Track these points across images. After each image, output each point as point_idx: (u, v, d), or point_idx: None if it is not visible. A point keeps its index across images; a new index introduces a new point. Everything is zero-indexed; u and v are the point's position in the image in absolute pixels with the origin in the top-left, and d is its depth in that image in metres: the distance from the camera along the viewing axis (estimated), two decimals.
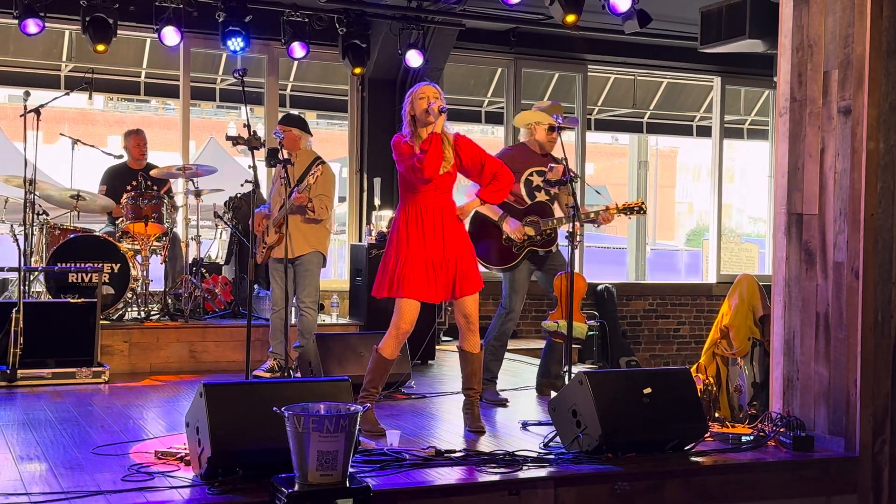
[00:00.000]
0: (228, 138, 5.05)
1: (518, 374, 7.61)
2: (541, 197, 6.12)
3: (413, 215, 5.00)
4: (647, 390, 4.66)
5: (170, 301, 7.80)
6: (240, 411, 3.97)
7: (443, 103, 4.98)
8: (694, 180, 38.00)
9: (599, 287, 10.84)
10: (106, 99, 26.30)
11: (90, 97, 8.28)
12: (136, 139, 8.35)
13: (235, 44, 8.70)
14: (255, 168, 4.95)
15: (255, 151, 5.12)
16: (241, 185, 5.55)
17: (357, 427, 3.68)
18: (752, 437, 4.92)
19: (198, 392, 4.01)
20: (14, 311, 6.41)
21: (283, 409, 3.61)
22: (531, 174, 6.12)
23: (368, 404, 4.68)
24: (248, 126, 5.16)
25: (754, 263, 13.12)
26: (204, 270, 8.06)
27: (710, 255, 11.94)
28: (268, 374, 6.73)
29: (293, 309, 7.20)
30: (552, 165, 5.70)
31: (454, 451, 4.58)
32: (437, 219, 5.00)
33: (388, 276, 5.02)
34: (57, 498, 3.71)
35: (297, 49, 9.02)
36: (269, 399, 3.90)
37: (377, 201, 9.38)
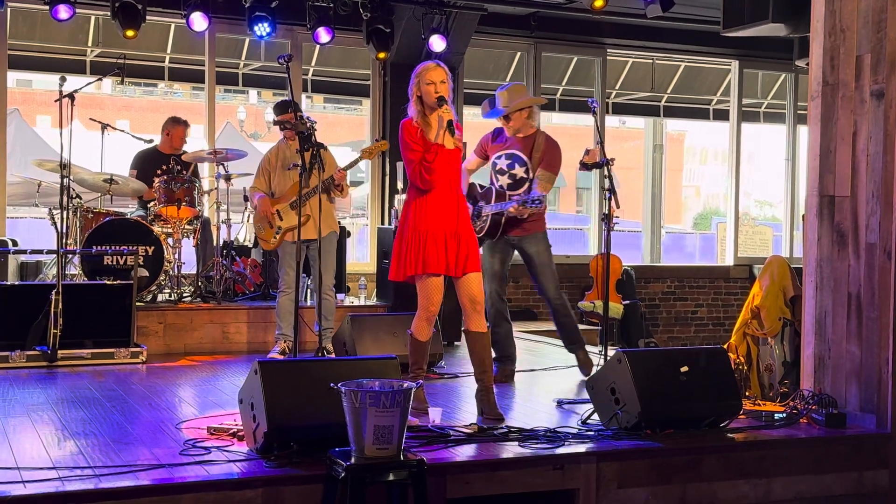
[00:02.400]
0: (275, 122, 5.14)
1: (544, 355, 7.73)
2: (503, 181, 6.20)
3: (428, 192, 4.98)
4: (684, 369, 4.76)
5: (202, 283, 7.92)
6: (293, 388, 4.09)
7: (451, 115, 4.92)
8: (701, 163, 38.01)
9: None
10: (114, 83, 26.36)
11: (122, 82, 8.37)
12: (179, 129, 8.40)
13: (262, 29, 8.80)
14: (302, 152, 5.04)
15: (302, 136, 5.21)
16: (289, 169, 5.64)
17: (410, 403, 3.79)
18: (784, 415, 5.03)
19: (252, 369, 4.12)
20: (53, 292, 6.53)
21: (339, 385, 3.72)
22: (498, 157, 6.25)
23: (421, 381, 4.74)
24: (296, 111, 5.25)
25: (768, 246, 13.21)
26: (234, 253, 8.18)
27: (727, 238, 12.04)
28: (281, 357, 6.83)
29: (309, 291, 7.31)
30: (588, 149, 5.80)
31: (496, 428, 4.69)
32: (451, 194, 5.00)
33: (405, 257, 5.01)
34: (120, 470, 3.82)
35: (323, 34, 9.11)
36: (322, 376, 4.01)
37: (399, 184, 9.48)
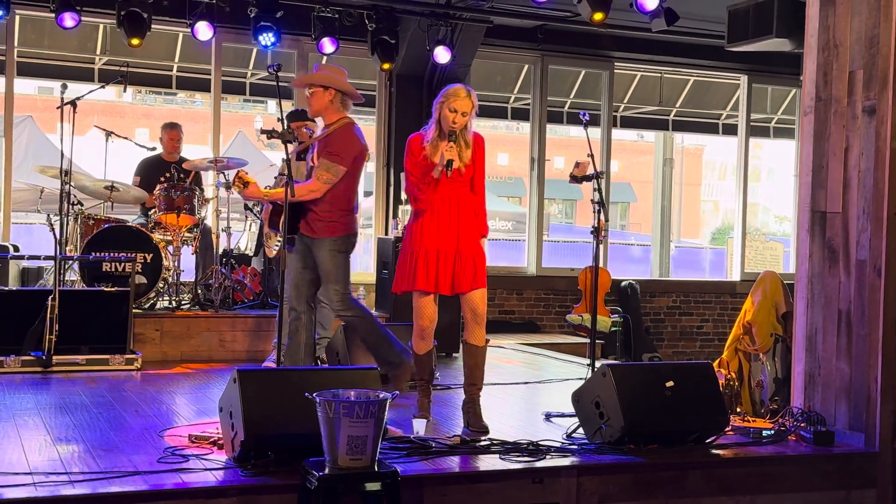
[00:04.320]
0: (263, 132, 5.16)
1: (542, 368, 7.70)
2: None
3: (429, 207, 4.99)
4: (670, 383, 4.73)
5: (200, 291, 7.95)
6: (272, 397, 4.09)
7: (453, 155, 4.86)
8: (720, 178, 37.90)
9: (623, 283, 10.91)
10: (135, 92, 26.56)
11: (125, 90, 8.44)
12: (171, 133, 8.51)
13: (266, 39, 8.85)
14: (288, 161, 5.06)
15: (287, 145, 5.23)
16: (275, 179, 5.68)
17: (386, 414, 3.78)
18: (773, 432, 4.99)
19: (232, 378, 4.13)
20: (50, 298, 6.57)
21: (314, 394, 3.72)
22: None
23: (398, 392, 4.73)
24: (281, 120, 5.28)
25: (779, 262, 13.13)
26: (234, 261, 8.21)
27: (734, 253, 11.98)
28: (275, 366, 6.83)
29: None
30: (579, 161, 5.79)
31: (479, 440, 4.68)
32: (452, 211, 4.99)
33: (401, 271, 5.07)
34: (96, 477, 3.83)
35: (327, 44, 9.16)
36: (301, 386, 4.01)
37: (403, 195, 9.49)
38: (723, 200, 37.32)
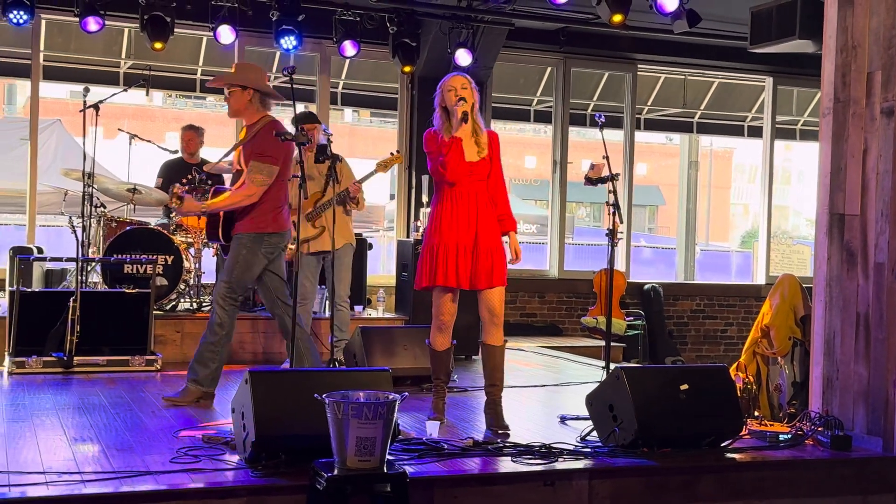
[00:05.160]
0: (277, 134, 5.19)
1: (561, 371, 7.68)
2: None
3: (447, 203, 5.03)
4: (684, 387, 4.71)
5: None
6: (283, 398, 4.11)
7: (466, 107, 4.95)
8: (749, 181, 37.63)
9: (646, 287, 10.85)
10: (164, 96, 26.81)
11: (147, 93, 8.52)
12: (185, 134, 8.57)
13: (288, 42, 8.89)
14: (301, 164, 5.08)
15: (301, 147, 5.25)
16: (289, 180, 5.69)
17: (395, 415, 3.78)
18: (789, 436, 4.94)
19: (244, 379, 4.15)
20: (71, 299, 6.63)
21: (323, 395, 3.73)
22: None
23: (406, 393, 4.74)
24: (300, 123, 5.30)
25: (806, 265, 13.02)
26: None
27: (759, 257, 11.89)
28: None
29: (326, 303, 7.34)
30: (594, 163, 5.77)
31: (492, 443, 4.67)
32: (471, 206, 5.01)
33: (420, 267, 5.10)
34: (108, 477, 3.87)
35: (349, 47, 9.18)
36: (312, 387, 4.02)
37: (425, 198, 9.50)
38: (752, 204, 37.07)
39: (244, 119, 5.64)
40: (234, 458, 4.20)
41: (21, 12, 8.26)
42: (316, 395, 3.76)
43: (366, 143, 24.40)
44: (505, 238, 5.16)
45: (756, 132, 12.23)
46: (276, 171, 5.50)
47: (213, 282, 8.11)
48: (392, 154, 6.91)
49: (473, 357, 8.01)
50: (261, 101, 5.58)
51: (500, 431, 4.98)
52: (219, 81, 5.70)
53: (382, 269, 12.55)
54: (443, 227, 5.02)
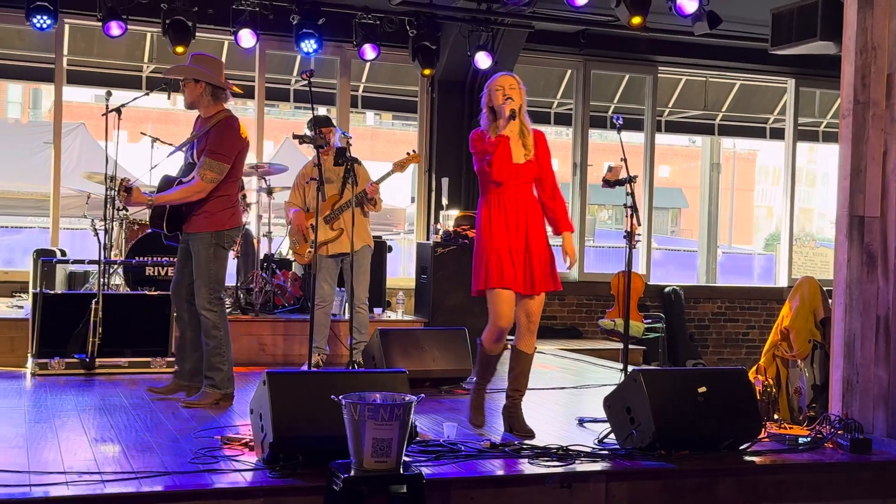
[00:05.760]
0: (295, 136, 5.22)
1: (580, 373, 7.67)
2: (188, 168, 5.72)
3: (495, 207, 4.94)
4: (702, 389, 4.69)
5: (241, 295, 8.04)
6: (301, 399, 4.13)
7: (513, 105, 4.90)
8: (773, 184, 37.41)
9: (667, 289, 10.82)
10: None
11: (169, 97, 8.57)
12: None
13: (308, 46, 8.94)
14: (319, 166, 5.11)
15: (319, 150, 5.28)
16: (307, 183, 5.74)
17: (412, 417, 3.80)
18: (809, 439, 4.92)
19: (261, 380, 4.18)
20: (94, 302, 6.69)
21: (340, 397, 3.75)
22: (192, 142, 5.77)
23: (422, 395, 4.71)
24: (318, 126, 5.33)
25: (829, 268, 12.88)
26: (274, 266, 8.29)
27: (782, 259, 11.83)
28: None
29: (345, 305, 7.36)
30: (612, 165, 5.76)
31: (510, 444, 4.68)
32: (519, 209, 4.94)
33: (476, 272, 5.00)
34: (128, 477, 3.91)
35: (369, 51, 9.22)
36: (329, 388, 4.03)
37: (444, 201, 9.52)
38: (776, 206, 36.86)
39: (200, 111, 5.68)
40: (253, 460, 4.23)
41: (44, 17, 8.34)
42: (333, 396, 3.78)
43: (387, 145, 24.47)
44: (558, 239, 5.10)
45: (778, 134, 12.17)
46: (227, 170, 5.51)
47: (234, 284, 8.19)
48: (408, 154, 6.93)
49: None
50: (213, 95, 5.59)
51: (523, 434, 4.96)
52: (171, 73, 5.73)
53: (403, 271, 12.56)
54: (494, 232, 4.92)
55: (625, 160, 5.51)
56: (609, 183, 5.69)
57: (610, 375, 7.31)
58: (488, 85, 5.03)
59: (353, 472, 3.72)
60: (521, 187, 4.97)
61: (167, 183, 5.70)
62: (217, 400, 5.61)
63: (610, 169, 5.75)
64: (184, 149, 5.74)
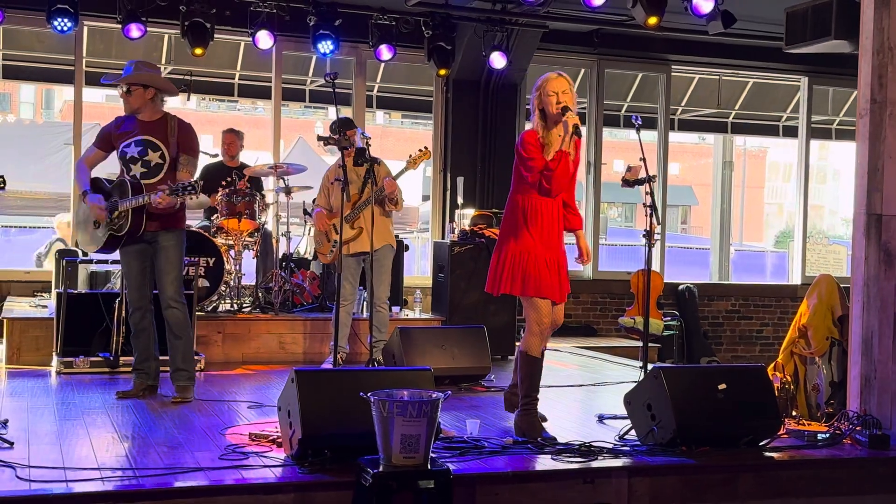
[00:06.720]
0: (320, 138, 5.29)
1: (597, 371, 7.73)
2: (136, 170, 5.72)
3: (531, 211, 4.91)
4: (722, 386, 4.76)
5: (261, 294, 8.12)
6: (329, 396, 4.21)
7: (576, 120, 4.76)
8: (784, 181, 37.37)
9: (680, 287, 10.87)
10: (199, 99, 27.11)
11: (188, 98, 8.65)
12: (227, 138, 8.73)
13: (325, 47, 9.02)
14: (343, 167, 5.18)
15: (344, 151, 5.35)
16: (331, 184, 5.81)
17: (438, 413, 3.87)
18: (827, 435, 4.98)
19: (290, 378, 4.25)
20: (117, 301, 6.78)
21: (369, 394, 3.82)
22: (127, 145, 5.80)
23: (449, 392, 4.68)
24: (343, 129, 5.40)
25: (842, 265, 12.97)
26: (293, 265, 8.37)
27: (795, 257, 11.86)
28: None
29: (365, 304, 7.44)
30: (631, 165, 5.82)
31: (532, 441, 4.74)
32: (554, 217, 4.96)
33: (510, 272, 4.91)
34: (160, 472, 3.99)
35: (385, 51, 9.29)
36: (357, 386, 4.12)
37: (460, 199, 9.58)
38: (787, 204, 36.84)
39: (142, 115, 5.81)
40: (281, 456, 4.31)
41: (65, 20, 8.43)
42: (361, 393, 3.85)
43: (398, 143, 24.56)
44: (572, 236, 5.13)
45: (791, 132, 12.20)
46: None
47: (253, 283, 8.28)
48: (420, 150, 7.01)
49: (509, 357, 8.08)
50: (160, 99, 5.89)
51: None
52: (125, 80, 5.80)
53: (417, 270, 12.64)
54: (535, 239, 4.90)
55: (644, 160, 5.57)
56: (628, 182, 5.75)
57: (627, 373, 7.37)
58: (538, 87, 4.95)
59: (381, 468, 3.79)
60: (559, 197, 5.00)
61: (119, 186, 5.74)
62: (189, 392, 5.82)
63: (629, 169, 5.81)
64: (118, 143, 5.81)
